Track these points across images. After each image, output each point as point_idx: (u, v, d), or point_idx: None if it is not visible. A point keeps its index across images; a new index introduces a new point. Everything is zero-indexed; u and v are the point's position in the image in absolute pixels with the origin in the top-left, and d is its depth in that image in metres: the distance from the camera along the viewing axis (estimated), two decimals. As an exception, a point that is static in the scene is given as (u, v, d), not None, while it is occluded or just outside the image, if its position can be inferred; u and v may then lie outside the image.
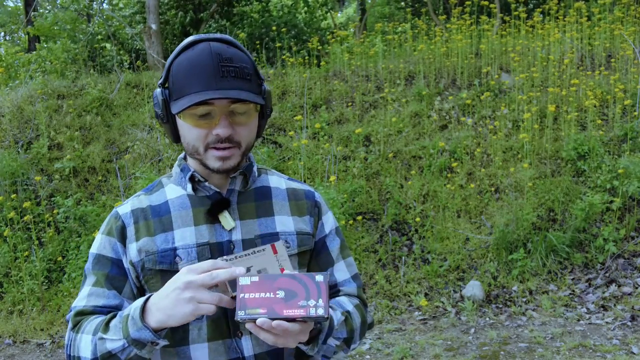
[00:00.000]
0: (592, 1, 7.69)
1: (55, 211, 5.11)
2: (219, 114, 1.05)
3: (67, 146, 5.93)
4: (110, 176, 5.69)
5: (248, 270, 0.99)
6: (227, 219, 1.11)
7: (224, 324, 1.09)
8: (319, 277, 0.91)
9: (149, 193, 1.19)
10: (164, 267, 1.09)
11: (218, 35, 1.10)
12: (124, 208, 1.16)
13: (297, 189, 1.24)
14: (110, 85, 6.96)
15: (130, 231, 1.13)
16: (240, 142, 1.09)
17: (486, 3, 7.29)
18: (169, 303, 0.94)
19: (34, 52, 8.55)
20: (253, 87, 1.09)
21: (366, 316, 1.21)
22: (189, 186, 1.15)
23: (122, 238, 1.13)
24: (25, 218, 4.80)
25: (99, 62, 8.48)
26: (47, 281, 4.70)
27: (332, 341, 1.08)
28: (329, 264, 1.22)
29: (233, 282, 0.96)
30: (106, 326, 1.01)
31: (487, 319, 3.98)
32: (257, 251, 1.00)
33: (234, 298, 0.95)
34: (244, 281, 0.92)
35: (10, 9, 16.19)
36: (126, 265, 1.12)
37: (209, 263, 0.95)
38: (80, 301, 1.10)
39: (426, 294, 4.31)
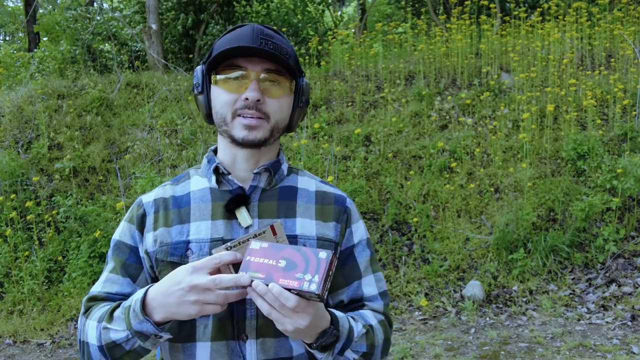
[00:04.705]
0: (592, 1, 7.69)
1: (55, 211, 5.11)
2: (251, 78, 1.04)
3: (67, 146, 5.93)
4: (110, 176, 5.69)
5: None
6: (244, 216, 1.08)
7: (229, 325, 1.06)
8: (322, 254, 0.90)
9: (175, 183, 1.17)
10: (174, 259, 1.07)
11: (265, 25, 1.11)
12: (148, 197, 1.16)
13: (328, 192, 1.18)
14: (110, 85, 6.96)
15: (150, 220, 1.12)
16: (268, 115, 1.07)
17: (486, 3, 7.29)
18: (173, 302, 0.93)
19: (34, 52, 8.56)
20: (289, 65, 1.07)
21: (390, 334, 1.15)
22: (213, 178, 1.12)
23: (141, 226, 1.12)
24: (28, 218, 4.80)
25: (99, 62, 8.48)
26: (47, 281, 4.70)
27: (350, 354, 1.03)
28: (356, 277, 1.15)
29: (236, 266, 0.96)
30: (110, 315, 1.01)
31: (488, 318, 3.98)
32: (258, 234, 0.99)
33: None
34: (254, 245, 0.94)
35: (10, 9, 16.18)
36: (142, 254, 1.11)
37: (214, 260, 0.93)
38: (97, 286, 1.10)
39: (426, 294, 4.31)
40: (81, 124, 6.24)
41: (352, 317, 1.07)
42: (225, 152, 1.13)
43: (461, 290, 4.28)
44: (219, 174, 1.12)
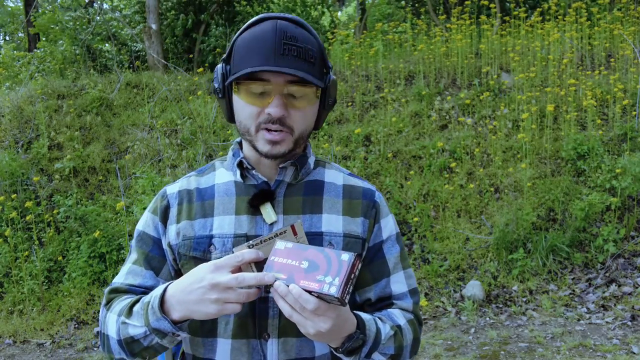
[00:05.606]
0: (591, 1, 7.70)
1: (55, 211, 5.11)
2: (274, 93, 1.00)
3: (67, 146, 5.93)
4: (110, 176, 5.69)
5: None
6: (268, 212, 1.05)
7: (251, 323, 1.04)
8: (344, 256, 0.87)
9: (200, 175, 1.15)
10: (197, 254, 1.05)
11: (288, 15, 1.05)
12: (173, 188, 1.14)
13: (356, 186, 1.15)
14: (110, 85, 6.96)
15: (173, 212, 1.10)
16: (292, 128, 1.03)
17: (486, 3, 7.29)
18: (193, 299, 0.91)
19: (34, 52, 8.56)
20: (315, 71, 1.02)
21: (419, 334, 1.12)
22: (238, 172, 1.10)
23: (165, 218, 1.10)
24: (27, 218, 4.80)
25: (99, 62, 8.48)
26: (47, 281, 4.70)
27: (377, 356, 1.01)
28: (384, 274, 1.12)
29: (258, 264, 0.94)
30: (130, 310, 0.99)
31: (487, 318, 3.98)
32: (279, 233, 0.97)
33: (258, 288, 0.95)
34: (279, 245, 0.93)
35: (10, 9, 16.19)
36: (165, 246, 1.09)
37: (236, 258, 0.91)
38: (119, 278, 1.09)
39: (426, 294, 4.31)
40: (81, 124, 6.25)
41: (379, 318, 1.04)
42: (250, 150, 1.10)
43: (461, 290, 4.28)
44: (243, 168, 1.10)
